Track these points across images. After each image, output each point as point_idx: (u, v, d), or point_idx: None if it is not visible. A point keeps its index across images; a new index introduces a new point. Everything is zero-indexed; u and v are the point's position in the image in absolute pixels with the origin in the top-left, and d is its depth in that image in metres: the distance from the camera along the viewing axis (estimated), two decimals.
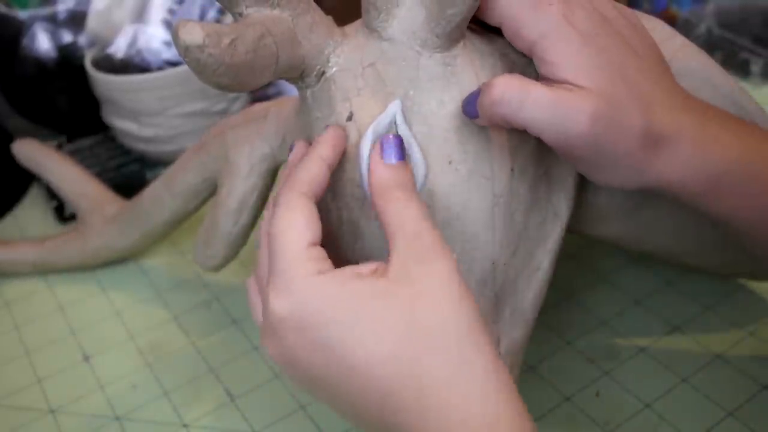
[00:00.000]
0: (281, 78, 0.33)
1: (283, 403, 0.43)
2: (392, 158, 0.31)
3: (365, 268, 0.29)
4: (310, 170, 0.31)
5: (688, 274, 0.49)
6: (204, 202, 0.48)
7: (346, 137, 0.33)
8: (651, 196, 0.40)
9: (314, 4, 0.33)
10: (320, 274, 0.29)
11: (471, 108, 0.32)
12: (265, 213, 0.33)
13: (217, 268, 0.46)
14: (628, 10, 0.35)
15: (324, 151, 0.32)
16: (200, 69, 0.29)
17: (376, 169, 0.31)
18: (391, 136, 0.32)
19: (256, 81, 0.31)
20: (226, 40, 0.29)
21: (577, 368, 0.43)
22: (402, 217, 0.30)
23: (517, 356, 0.37)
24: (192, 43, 0.28)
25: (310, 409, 0.42)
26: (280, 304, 0.29)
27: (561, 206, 0.37)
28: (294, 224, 0.30)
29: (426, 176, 0.33)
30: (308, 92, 0.34)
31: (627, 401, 0.41)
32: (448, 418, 0.26)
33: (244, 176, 0.43)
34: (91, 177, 0.54)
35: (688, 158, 0.32)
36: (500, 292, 0.35)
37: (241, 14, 0.31)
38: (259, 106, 0.44)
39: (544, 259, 0.37)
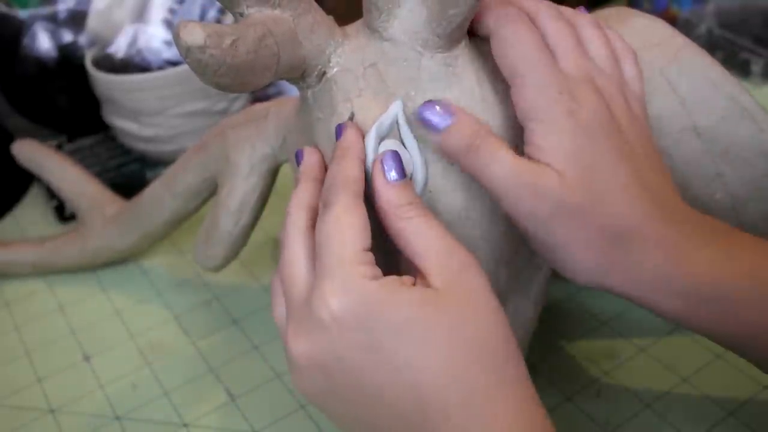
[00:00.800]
0: (282, 78, 0.33)
1: (283, 403, 0.43)
2: (395, 175, 0.31)
3: (407, 279, 0.30)
4: (354, 171, 0.31)
5: None
6: (204, 201, 0.48)
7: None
8: None
9: (315, 4, 0.33)
10: (375, 279, 0.29)
11: (433, 119, 0.32)
12: (293, 211, 0.32)
13: (218, 269, 0.46)
14: (640, 107, 0.34)
15: (360, 152, 0.32)
16: (201, 70, 0.29)
17: (383, 190, 0.31)
18: (389, 153, 0.31)
19: (258, 81, 0.31)
20: (227, 41, 0.29)
21: (577, 368, 0.43)
22: (427, 235, 0.30)
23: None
24: (193, 43, 0.28)
25: (310, 409, 0.42)
26: (335, 302, 0.28)
27: None
28: (352, 226, 0.29)
29: (428, 178, 0.33)
30: (309, 92, 0.34)
31: (627, 401, 0.41)
32: (490, 427, 0.27)
33: (244, 176, 0.43)
34: (91, 177, 0.54)
35: (659, 270, 0.31)
36: (503, 291, 0.35)
37: (242, 14, 0.31)
38: (259, 106, 0.44)
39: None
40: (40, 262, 0.54)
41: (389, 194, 0.31)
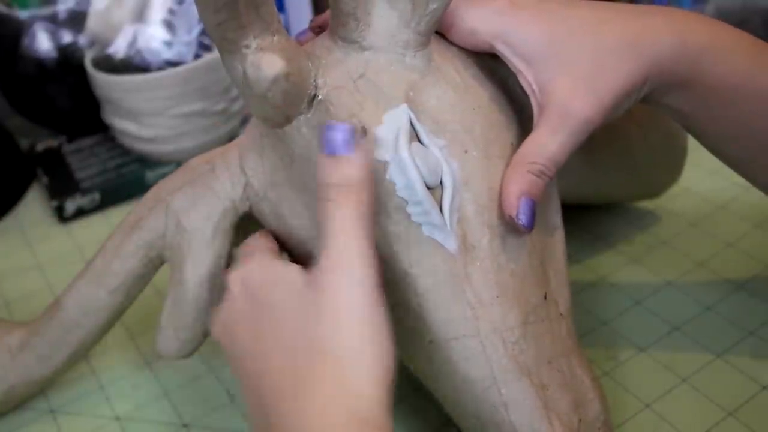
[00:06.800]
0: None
1: None
2: (336, 150, 0.30)
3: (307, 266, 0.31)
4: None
5: (688, 274, 0.49)
6: (144, 286, 0.41)
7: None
8: None
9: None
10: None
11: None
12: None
13: (193, 352, 0.40)
14: None
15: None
16: (282, 99, 0.30)
17: (318, 163, 0.30)
18: (335, 126, 0.30)
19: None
20: (302, 63, 0.29)
21: None
22: (326, 221, 0.30)
23: (571, 317, 0.36)
24: (281, 71, 0.29)
25: None
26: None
27: None
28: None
29: (456, 171, 0.33)
30: (302, 120, 0.33)
31: (627, 401, 0.41)
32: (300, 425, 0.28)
33: (209, 240, 0.38)
34: None
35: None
36: (542, 258, 0.35)
37: (248, 47, 0.30)
38: (195, 162, 0.39)
39: (555, 218, 0.37)
40: None
41: (319, 169, 0.30)
